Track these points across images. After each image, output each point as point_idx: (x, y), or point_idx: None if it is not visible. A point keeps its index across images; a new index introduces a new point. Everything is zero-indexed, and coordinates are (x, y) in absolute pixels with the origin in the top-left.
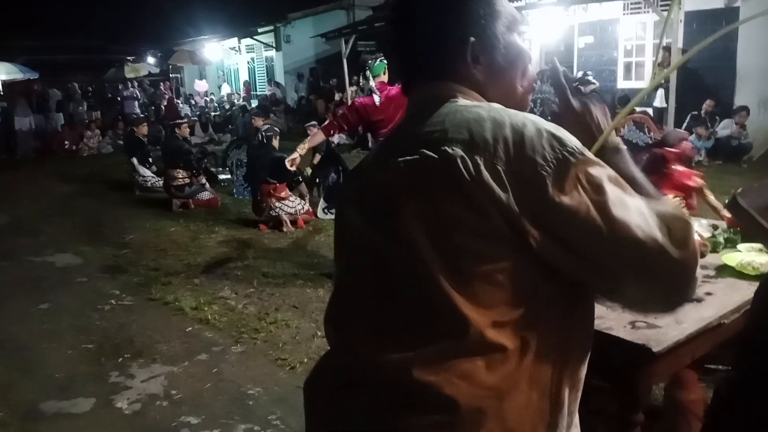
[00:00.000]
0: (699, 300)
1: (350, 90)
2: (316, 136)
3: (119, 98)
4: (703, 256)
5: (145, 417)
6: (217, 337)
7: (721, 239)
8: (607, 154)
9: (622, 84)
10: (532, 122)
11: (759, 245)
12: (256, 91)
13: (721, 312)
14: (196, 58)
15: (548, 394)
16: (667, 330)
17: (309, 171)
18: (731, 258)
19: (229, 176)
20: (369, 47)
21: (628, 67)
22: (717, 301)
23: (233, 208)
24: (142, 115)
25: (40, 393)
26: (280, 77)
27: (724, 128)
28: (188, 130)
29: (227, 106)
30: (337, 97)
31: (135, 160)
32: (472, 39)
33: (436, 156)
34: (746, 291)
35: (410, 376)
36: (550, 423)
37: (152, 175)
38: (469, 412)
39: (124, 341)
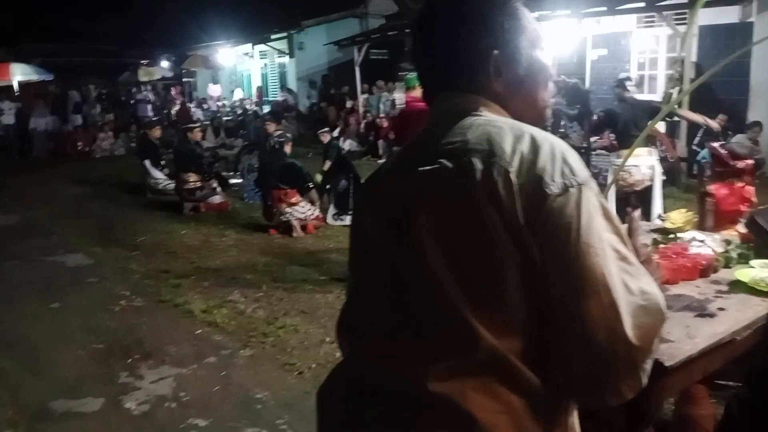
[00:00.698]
0: (712, 315)
1: (362, 98)
2: None
3: (133, 101)
4: (715, 271)
5: (154, 418)
6: (225, 340)
7: (734, 254)
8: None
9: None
10: (550, 143)
11: None
12: (268, 96)
13: (734, 328)
14: (209, 63)
15: (558, 408)
16: (679, 345)
17: (319, 177)
18: (744, 274)
19: (240, 181)
20: (381, 55)
21: (641, 80)
22: (730, 316)
23: (244, 212)
24: (155, 119)
25: (50, 392)
26: (292, 83)
27: (735, 141)
28: (200, 134)
29: (239, 111)
30: (348, 104)
31: (147, 163)
32: (496, 52)
33: (453, 166)
34: (759, 307)
35: (425, 389)
36: None
37: (164, 177)
38: (485, 428)
39: (133, 342)
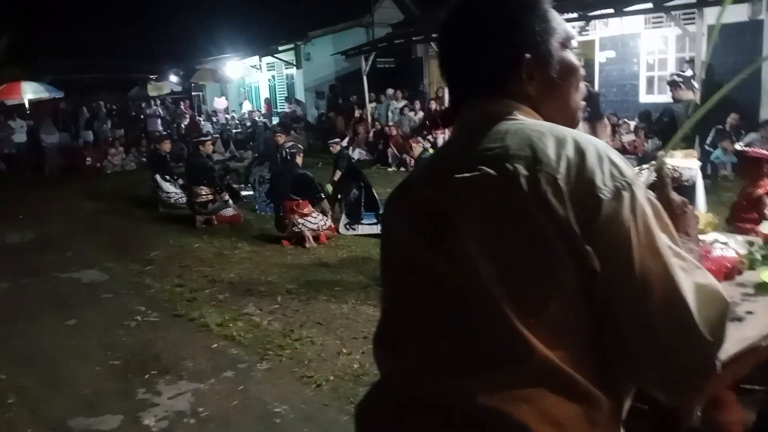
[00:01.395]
0: (740, 319)
1: (370, 106)
2: None
3: (142, 116)
4: (740, 273)
5: None
6: (242, 353)
7: (758, 256)
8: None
9: (644, 98)
10: (594, 145)
11: None
12: (276, 108)
13: (764, 332)
14: (217, 76)
15: (612, 416)
16: None
17: (330, 188)
18: None
19: (251, 193)
20: (388, 64)
21: (650, 81)
22: (759, 320)
23: (256, 224)
24: (164, 133)
25: (69, 409)
26: (300, 94)
27: (750, 142)
28: (211, 147)
29: (248, 124)
30: (357, 113)
31: (158, 177)
32: (528, 55)
33: (496, 173)
34: None
35: (475, 402)
36: None
37: (176, 191)
38: None
39: (150, 358)
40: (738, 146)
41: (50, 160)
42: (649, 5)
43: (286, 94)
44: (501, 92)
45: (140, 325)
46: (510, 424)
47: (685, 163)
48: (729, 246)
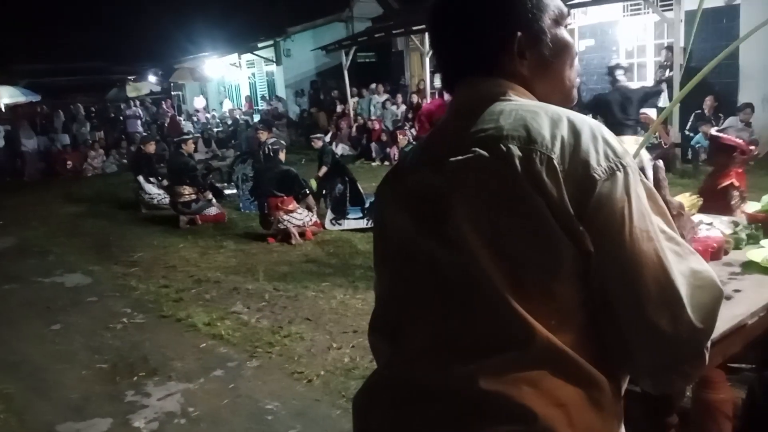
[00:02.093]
0: (728, 297)
1: (352, 101)
2: None
3: (122, 118)
4: (726, 253)
5: None
6: (231, 352)
7: (743, 235)
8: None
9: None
10: (589, 125)
11: None
12: (257, 106)
13: (752, 309)
14: (197, 75)
15: (614, 398)
16: None
17: (314, 183)
18: (756, 254)
19: (234, 191)
20: (369, 58)
21: (630, 68)
22: (747, 297)
23: (240, 222)
24: (145, 134)
25: (57, 414)
26: (281, 91)
27: (729, 126)
28: (193, 146)
29: (229, 122)
30: (339, 108)
31: (141, 178)
32: (519, 33)
33: (489, 155)
34: None
35: (477, 387)
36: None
37: (159, 192)
38: (546, 422)
39: (138, 360)
40: (714, 131)
41: (29, 165)
42: None
43: (266, 92)
44: (493, 71)
45: (126, 327)
46: (513, 408)
47: (632, 149)
48: (714, 226)
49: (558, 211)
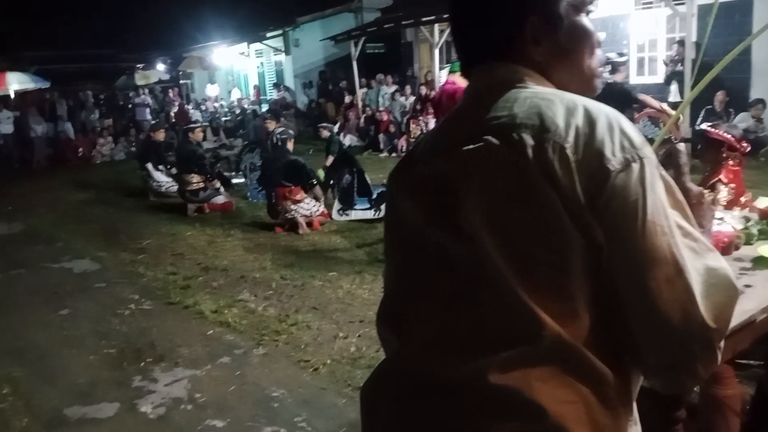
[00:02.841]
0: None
1: (360, 92)
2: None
3: (131, 105)
4: (737, 248)
5: (170, 421)
6: (238, 339)
7: (754, 231)
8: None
9: (635, 79)
10: (606, 114)
11: None
12: (266, 95)
13: (763, 304)
14: (205, 64)
15: (626, 395)
16: None
17: (322, 173)
18: (767, 249)
19: (242, 180)
20: (378, 49)
21: (640, 62)
22: (757, 293)
23: (248, 211)
24: (154, 122)
25: (64, 399)
26: (289, 81)
27: (741, 122)
28: (202, 134)
29: (237, 111)
30: (347, 99)
31: (150, 166)
32: (533, 18)
33: (500, 143)
34: None
35: (486, 382)
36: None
37: (167, 180)
38: (557, 419)
39: (145, 346)
40: (705, 126)
41: (38, 151)
42: None
43: (275, 81)
44: (508, 57)
45: (134, 313)
46: (524, 404)
47: None
48: (725, 221)
49: (569, 202)
